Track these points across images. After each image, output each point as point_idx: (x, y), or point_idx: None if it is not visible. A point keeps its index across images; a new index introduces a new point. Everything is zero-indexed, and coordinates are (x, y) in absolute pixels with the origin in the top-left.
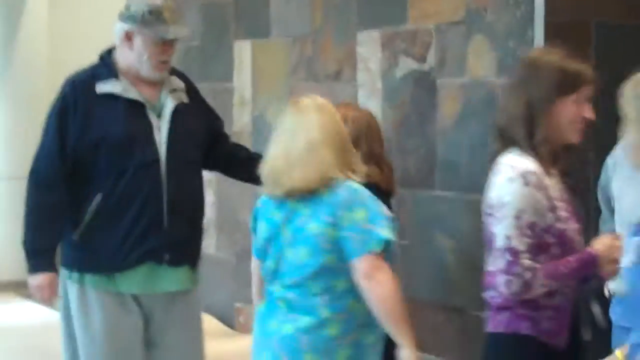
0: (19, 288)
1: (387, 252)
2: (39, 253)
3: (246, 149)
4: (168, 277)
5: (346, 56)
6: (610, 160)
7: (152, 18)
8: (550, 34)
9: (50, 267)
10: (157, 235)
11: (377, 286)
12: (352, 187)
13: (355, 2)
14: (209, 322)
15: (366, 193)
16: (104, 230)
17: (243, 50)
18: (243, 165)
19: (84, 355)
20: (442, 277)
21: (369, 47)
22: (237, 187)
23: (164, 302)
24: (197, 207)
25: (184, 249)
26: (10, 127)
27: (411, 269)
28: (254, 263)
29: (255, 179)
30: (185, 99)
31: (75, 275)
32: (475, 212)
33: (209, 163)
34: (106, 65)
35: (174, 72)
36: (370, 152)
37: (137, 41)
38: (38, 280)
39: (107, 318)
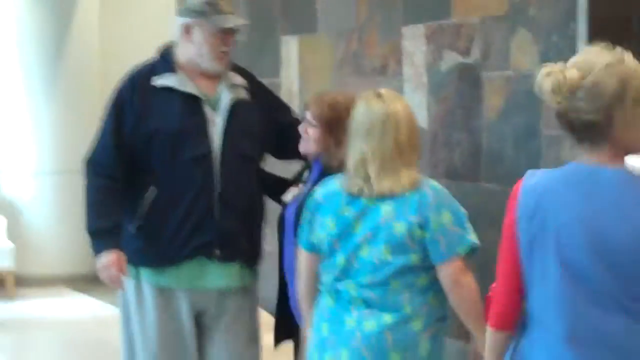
0: (73, 282)
1: (472, 254)
2: (102, 233)
3: None
4: (219, 273)
5: (391, 51)
6: None
7: (209, 9)
8: (593, 28)
9: (115, 246)
10: (208, 229)
11: (463, 289)
12: (437, 188)
13: None
14: (264, 317)
15: (447, 193)
16: (158, 223)
17: (290, 46)
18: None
19: (141, 351)
20: (488, 269)
21: (414, 41)
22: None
23: (216, 299)
24: (252, 203)
25: (235, 244)
26: (64, 123)
27: None
28: (306, 256)
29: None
30: (244, 94)
31: (132, 270)
32: None
33: (282, 153)
34: (164, 60)
35: (236, 68)
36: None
37: (197, 33)
38: (103, 259)
39: (160, 315)
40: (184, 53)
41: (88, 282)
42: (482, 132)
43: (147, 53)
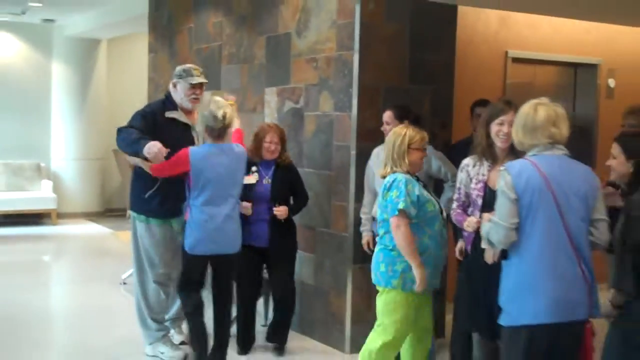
0: (88, 216)
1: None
2: (141, 138)
3: None
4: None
5: (259, 100)
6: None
7: (185, 74)
8: (361, 93)
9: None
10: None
11: (396, 236)
12: (392, 176)
13: (265, 71)
14: None
15: (399, 179)
16: (161, 197)
17: (205, 96)
18: None
19: (148, 252)
20: None
21: (270, 95)
22: None
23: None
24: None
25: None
26: (86, 132)
27: None
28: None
29: None
30: None
31: (143, 217)
32: None
33: None
34: (169, 101)
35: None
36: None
37: (179, 87)
38: (148, 146)
39: (164, 233)
40: (175, 97)
41: (98, 216)
42: (303, 143)
43: (135, 94)
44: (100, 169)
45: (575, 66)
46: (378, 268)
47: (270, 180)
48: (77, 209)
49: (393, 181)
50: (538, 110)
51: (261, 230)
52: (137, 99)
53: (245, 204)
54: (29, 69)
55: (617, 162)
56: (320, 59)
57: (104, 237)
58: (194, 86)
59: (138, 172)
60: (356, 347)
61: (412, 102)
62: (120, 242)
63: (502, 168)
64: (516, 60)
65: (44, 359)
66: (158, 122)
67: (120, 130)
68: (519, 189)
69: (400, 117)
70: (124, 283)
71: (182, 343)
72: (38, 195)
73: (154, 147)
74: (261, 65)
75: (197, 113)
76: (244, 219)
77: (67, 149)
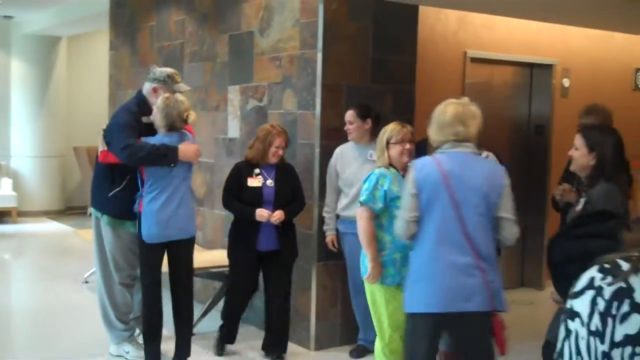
0: (48, 214)
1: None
2: (168, 147)
3: None
4: None
5: (222, 98)
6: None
7: (169, 80)
8: (324, 90)
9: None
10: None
11: (358, 225)
12: (371, 172)
13: (228, 69)
14: None
15: (373, 175)
16: (127, 196)
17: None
18: None
19: (113, 255)
20: None
21: (234, 93)
22: None
23: None
24: None
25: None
26: (45, 129)
27: None
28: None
29: None
30: None
31: (107, 219)
32: None
33: None
34: (146, 105)
35: None
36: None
37: (161, 92)
38: (182, 146)
39: (129, 235)
40: (152, 102)
41: (59, 214)
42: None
43: (95, 91)
44: (60, 166)
45: (531, 66)
46: (363, 260)
47: (273, 183)
48: (38, 207)
49: (369, 175)
50: (448, 108)
51: (270, 234)
52: (97, 96)
53: (262, 211)
54: None
55: (579, 154)
56: (283, 57)
57: (65, 235)
58: (173, 93)
59: (101, 170)
60: (320, 344)
61: (374, 100)
62: (81, 240)
63: (409, 164)
64: (474, 60)
65: (5, 358)
66: (139, 129)
67: (127, 147)
68: (419, 183)
69: (363, 116)
70: (86, 282)
71: None
72: None
73: (187, 149)
74: (224, 63)
75: (157, 106)
76: (256, 225)
77: (26, 146)
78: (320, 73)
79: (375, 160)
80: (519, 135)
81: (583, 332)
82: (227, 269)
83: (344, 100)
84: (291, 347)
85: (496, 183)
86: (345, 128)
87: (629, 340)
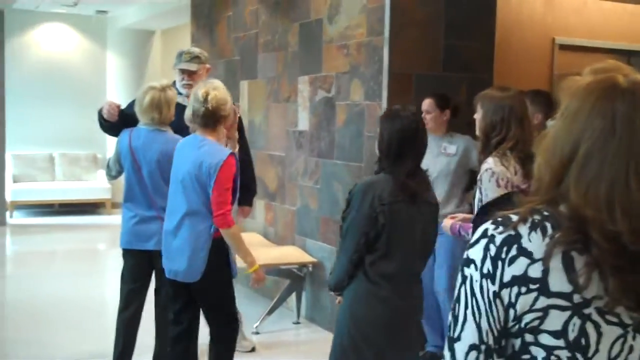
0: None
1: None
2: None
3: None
4: None
5: (293, 89)
6: None
7: (177, 59)
8: (391, 80)
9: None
10: None
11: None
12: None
13: (298, 59)
14: None
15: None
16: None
17: (243, 85)
18: None
19: None
20: None
21: (303, 84)
22: None
23: None
24: None
25: None
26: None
27: None
28: None
29: None
30: None
31: None
32: None
33: None
34: (175, 86)
35: None
36: None
37: (175, 72)
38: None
39: None
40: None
41: None
42: (335, 132)
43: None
44: None
45: (629, 54)
46: None
47: None
48: None
49: None
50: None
51: None
52: None
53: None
54: (85, 61)
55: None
56: (350, 45)
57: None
58: (182, 71)
59: None
60: None
61: (447, 91)
62: None
63: None
64: (564, 47)
65: (101, 346)
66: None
67: None
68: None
69: (441, 106)
70: None
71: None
72: (93, 185)
73: (106, 106)
74: (294, 53)
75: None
76: None
77: None
78: (387, 61)
79: (450, 154)
80: None
81: (477, 275)
82: (296, 266)
83: (413, 91)
84: None
85: (167, 152)
86: (421, 117)
87: (516, 280)
